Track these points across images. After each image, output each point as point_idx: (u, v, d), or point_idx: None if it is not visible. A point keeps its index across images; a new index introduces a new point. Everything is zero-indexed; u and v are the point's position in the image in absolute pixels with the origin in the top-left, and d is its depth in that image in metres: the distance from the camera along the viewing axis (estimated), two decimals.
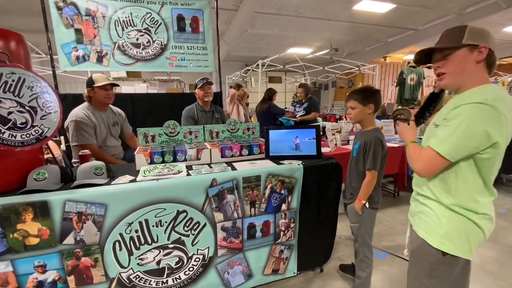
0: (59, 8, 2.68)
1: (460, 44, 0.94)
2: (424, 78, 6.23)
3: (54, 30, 2.67)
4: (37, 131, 1.23)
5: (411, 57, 10.17)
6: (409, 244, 1.19)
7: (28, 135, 1.20)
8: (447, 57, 0.97)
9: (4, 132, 1.13)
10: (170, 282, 1.50)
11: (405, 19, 7.00)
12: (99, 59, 2.88)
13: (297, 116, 4.57)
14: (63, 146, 2.54)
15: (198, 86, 2.61)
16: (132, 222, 1.33)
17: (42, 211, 1.18)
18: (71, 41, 2.75)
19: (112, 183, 1.35)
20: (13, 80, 1.15)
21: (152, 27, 2.95)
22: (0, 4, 5.18)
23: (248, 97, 5.42)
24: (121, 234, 1.33)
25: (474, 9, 6.24)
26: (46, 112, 1.25)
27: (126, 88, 4.47)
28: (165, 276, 1.48)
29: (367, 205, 1.62)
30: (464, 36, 0.94)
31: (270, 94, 4.46)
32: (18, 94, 1.16)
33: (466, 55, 0.94)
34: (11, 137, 1.16)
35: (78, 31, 2.75)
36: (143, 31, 2.93)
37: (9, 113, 1.15)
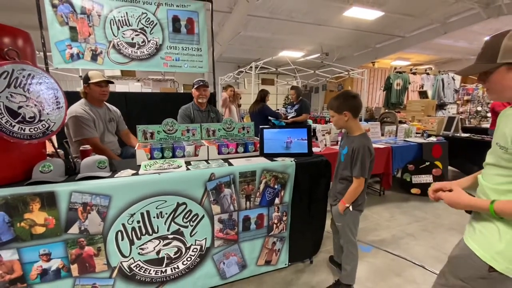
0: (54, 6, 2.68)
1: (494, 64, 0.88)
2: (409, 83, 6.53)
3: (49, 27, 2.67)
4: (44, 125, 1.29)
5: (398, 63, 10.55)
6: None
7: (35, 129, 1.26)
8: (488, 75, 0.92)
9: (14, 126, 1.19)
10: (169, 271, 1.57)
11: (393, 26, 7.29)
12: (94, 57, 2.90)
13: (288, 118, 4.70)
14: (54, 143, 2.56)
15: (195, 87, 2.70)
16: (134, 213, 1.40)
17: (49, 201, 1.24)
18: (65, 39, 2.76)
19: (115, 176, 1.42)
20: (23, 76, 1.21)
21: (147, 27, 2.99)
22: None
23: (240, 98, 5.47)
24: (123, 225, 1.40)
25: (457, 19, 6.57)
26: (53, 107, 1.32)
27: (120, 87, 4.49)
28: (164, 265, 1.55)
29: (350, 208, 1.67)
30: (499, 54, 0.87)
31: (263, 95, 4.56)
32: (28, 90, 1.22)
33: (504, 74, 0.88)
34: (20, 130, 1.22)
35: (73, 29, 2.76)
36: (139, 31, 2.97)
37: (19, 107, 1.21)
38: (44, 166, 1.33)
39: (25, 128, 1.23)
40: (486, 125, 5.76)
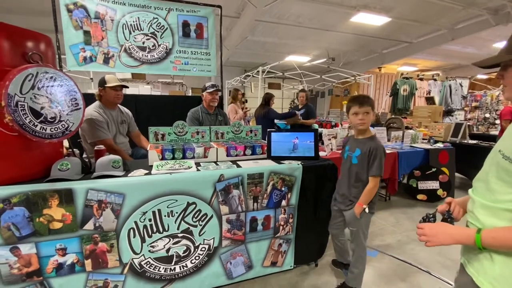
0: (69, 10, 2.78)
1: (510, 56, 0.77)
2: (416, 89, 6.51)
3: (64, 31, 2.76)
4: (63, 126, 1.36)
5: (405, 68, 10.52)
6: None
7: (56, 129, 1.33)
8: (506, 68, 0.80)
9: (36, 125, 1.25)
10: (178, 269, 1.61)
11: (400, 32, 7.30)
12: (106, 61, 2.98)
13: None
14: (66, 144, 2.63)
15: (208, 91, 2.74)
16: (146, 211, 1.45)
17: (67, 198, 1.30)
18: (79, 42, 2.84)
19: (129, 175, 1.48)
20: (46, 79, 1.28)
21: (158, 31, 3.07)
22: (3, 2, 5.24)
23: (242, 98, 5.44)
24: (136, 222, 1.45)
25: (465, 25, 6.55)
26: (72, 108, 1.38)
27: (130, 89, 4.59)
28: (173, 263, 1.59)
29: (366, 210, 1.69)
30: None
31: (267, 99, 4.59)
32: (50, 92, 1.29)
33: None
34: (42, 130, 1.28)
35: (86, 33, 2.85)
36: (149, 35, 3.05)
37: (42, 108, 1.27)
38: (62, 164, 1.39)
39: (46, 128, 1.29)
40: (494, 132, 5.72)
